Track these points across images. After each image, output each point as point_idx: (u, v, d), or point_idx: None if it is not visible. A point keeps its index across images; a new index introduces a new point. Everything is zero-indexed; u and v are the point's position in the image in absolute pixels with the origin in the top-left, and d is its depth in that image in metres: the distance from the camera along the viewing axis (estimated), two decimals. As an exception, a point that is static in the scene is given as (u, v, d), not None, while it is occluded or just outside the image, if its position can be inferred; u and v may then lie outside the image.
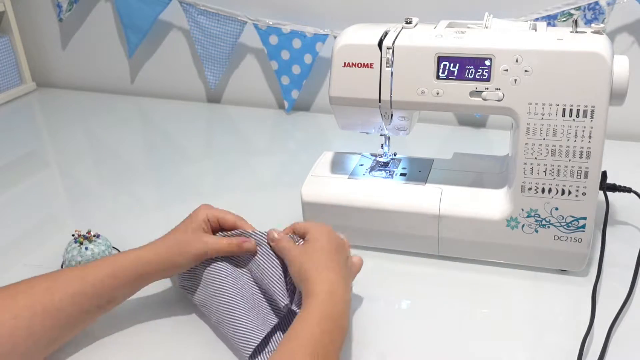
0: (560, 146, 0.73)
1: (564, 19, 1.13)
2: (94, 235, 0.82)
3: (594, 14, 1.11)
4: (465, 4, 1.20)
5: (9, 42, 1.52)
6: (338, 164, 0.90)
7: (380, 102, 0.78)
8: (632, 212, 0.90)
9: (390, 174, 0.88)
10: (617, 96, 0.73)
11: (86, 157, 1.24)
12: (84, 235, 0.81)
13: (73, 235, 0.82)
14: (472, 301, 0.76)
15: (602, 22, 1.11)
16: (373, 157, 0.91)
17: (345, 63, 0.78)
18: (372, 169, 0.89)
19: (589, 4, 1.11)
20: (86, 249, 0.79)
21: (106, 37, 1.52)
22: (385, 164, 0.89)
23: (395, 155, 0.91)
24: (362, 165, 0.90)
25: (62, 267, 0.81)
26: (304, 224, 0.73)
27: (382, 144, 0.89)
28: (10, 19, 1.50)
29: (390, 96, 0.77)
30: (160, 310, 0.76)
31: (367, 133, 0.86)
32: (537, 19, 1.14)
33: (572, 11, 1.12)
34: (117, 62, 1.54)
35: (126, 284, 0.68)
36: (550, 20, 1.13)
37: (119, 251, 0.80)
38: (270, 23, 1.30)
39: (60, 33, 1.57)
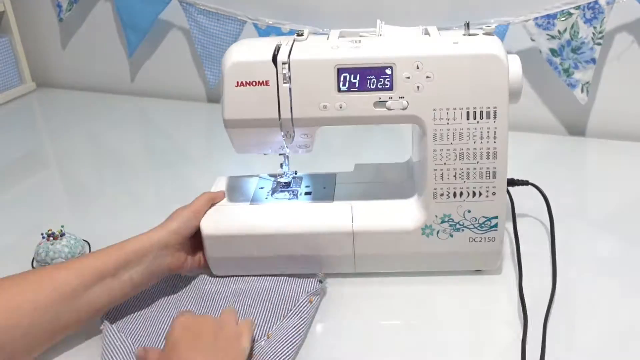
0: (468, 149, 0.74)
1: (564, 19, 1.13)
2: (61, 235, 0.86)
3: (593, 14, 1.11)
4: (466, 4, 1.20)
5: (9, 42, 1.55)
6: (236, 190, 0.86)
7: (280, 120, 0.75)
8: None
9: (294, 195, 0.84)
10: (514, 94, 0.74)
11: (86, 157, 1.25)
12: (53, 234, 0.86)
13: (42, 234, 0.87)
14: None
15: (602, 21, 1.11)
16: (273, 178, 0.87)
17: (238, 82, 0.74)
18: (273, 191, 0.85)
19: (589, 4, 1.11)
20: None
21: (106, 37, 1.54)
22: (287, 184, 0.86)
23: (296, 173, 0.88)
24: (262, 188, 0.86)
25: (32, 263, 0.87)
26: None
27: (281, 163, 0.86)
28: (10, 19, 1.53)
29: (291, 114, 0.75)
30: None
31: (265, 154, 0.83)
32: (536, 18, 1.14)
33: (572, 10, 1.12)
34: (117, 62, 1.56)
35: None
36: (550, 19, 1.13)
37: (88, 243, 0.88)
38: (270, 23, 1.30)
39: (60, 33, 1.59)
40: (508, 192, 0.89)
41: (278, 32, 1.31)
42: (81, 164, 1.22)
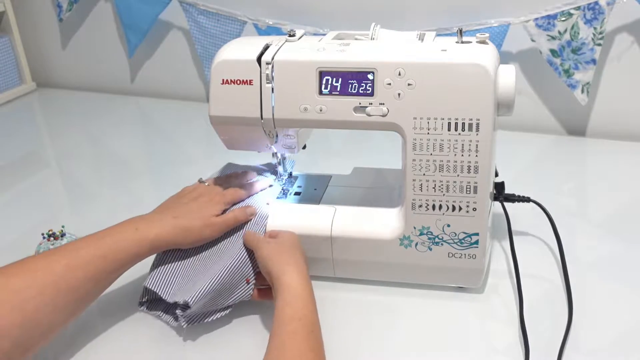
0: (448, 161, 0.73)
1: (564, 19, 1.14)
2: (61, 235, 0.89)
3: (593, 14, 1.12)
4: (467, 4, 1.20)
5: (9, 42, 1.56)
6: None
7: (262, 120, 0.77)
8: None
9: (284, 194, 0.86)
10: (504, 106, 0.73)
11: (86, 157, 1.26)
12: (53, 234, 0.89)
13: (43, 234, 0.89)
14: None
15: (602, 22, 1.11)
16: (274, 177, 0.89)
17: (223, 80, 0.76)
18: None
19: (589, 4, 1.12)
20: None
21: (106, 37, 1.55)
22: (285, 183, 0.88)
23: (291, 175, 0.90)
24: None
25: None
26: (277, 230, 0.79)
27: (276, 163, 0.87)
28: (10, 19, 1.54)
29: (273, 114, 0.76)
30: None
31: (259, 152, 0.85)
32: (537, 19, 1.14)
33: (572, 11, 1.13)
34: (117, 62, 1.57)
35: (142, 258, 0.74)
36: (550, 20, 1.13)
37: None
38: (270, 23, 1.31)
39: (60, 33, 1.61)
40: (504, 208, 0.87)
41: (278, 32, 1.32)
42: (81, 164, 1.23)
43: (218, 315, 0.75)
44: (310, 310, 0.67)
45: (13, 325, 0.61)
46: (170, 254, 0.78)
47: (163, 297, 0.74)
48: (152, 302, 0.78)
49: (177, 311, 0.73)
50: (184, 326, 0.73)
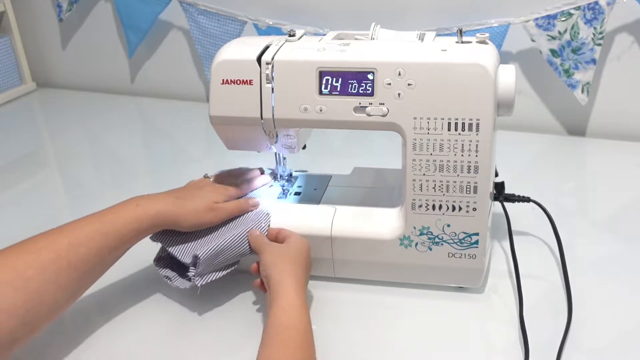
0: (448, 161, 0.73)
1: (564, 19, 1.14)
2: None
3: (593, 14, 1.12)
4: (467, 4, 1.20)
5: (9, 42, 1.56)
6: None
7: (262, 120, 0.77)
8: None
9: (284, 194, 0.86)
10: (504, 106, 0.73)
11: (86, 157, 1.26)
12: None
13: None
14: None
15: (602, 22, 1.11)
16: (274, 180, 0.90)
17: (223, 80, 0.76)
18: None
19: (589, 4, 1.12)
20: None
21: (106, 37, 1.56)
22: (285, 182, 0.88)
23: (291, 175, 0.90)
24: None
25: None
26: (289, 232, 0.78)
27: (276, 166, 0.88)
28: (10, 19, 1.55)
29: (273, 114, 0.76)
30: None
31: (258, 152, 0.85)
32: (537, 19, 1.14)
33: (572, 11, 1.13)
34: (117, 62, 1.57)
35: (143, 235, 0.74)
36: (550, 20, 1.14)
37: None
38: (270, 23, 1.31)
39: (60, 33, 1.61)
40: (504, 208, 0.87)
41: (278, 32, 1.32)
42: (81, 164, 1.23)
43: (228, 270, 0.77)
44: (304, 322, 0.67)
45: (17, 305, 0.61)
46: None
47: (177, 257, 0.75)
48: (166, 266, 0.79)
49: (189, 272, 0.75)
50: (198, 284, 0.74)
